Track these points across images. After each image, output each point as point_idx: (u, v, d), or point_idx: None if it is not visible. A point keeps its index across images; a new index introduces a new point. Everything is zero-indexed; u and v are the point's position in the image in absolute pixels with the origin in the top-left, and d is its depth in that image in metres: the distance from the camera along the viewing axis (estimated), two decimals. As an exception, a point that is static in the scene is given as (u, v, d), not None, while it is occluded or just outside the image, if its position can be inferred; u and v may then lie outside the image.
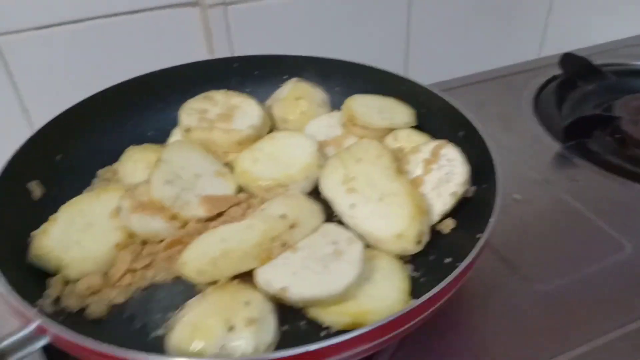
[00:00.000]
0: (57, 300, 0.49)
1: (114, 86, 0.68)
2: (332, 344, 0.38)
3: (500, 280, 0.59)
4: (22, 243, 0.52)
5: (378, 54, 0.94)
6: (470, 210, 0.56)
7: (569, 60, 0.92)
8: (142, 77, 0.70)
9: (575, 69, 0.91)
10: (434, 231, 0.56)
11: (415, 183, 0.57)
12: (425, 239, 0.53)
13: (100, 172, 0.64)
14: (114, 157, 0.65)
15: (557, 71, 0.92)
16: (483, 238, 0.46)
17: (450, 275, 0.43)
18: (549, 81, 0.91)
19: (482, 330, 0.54)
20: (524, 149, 0.78)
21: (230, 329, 0.44)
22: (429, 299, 0.41)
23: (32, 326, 0.40)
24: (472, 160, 0.58)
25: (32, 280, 0.50)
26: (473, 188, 0.57)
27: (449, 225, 0.56)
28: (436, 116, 0.66)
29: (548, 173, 0.73)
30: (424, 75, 0.95)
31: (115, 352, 0.38)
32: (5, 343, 0.39)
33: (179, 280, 0.52)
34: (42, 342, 0.41)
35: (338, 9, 0.89)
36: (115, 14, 0.76)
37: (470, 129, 0.60)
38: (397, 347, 0.52)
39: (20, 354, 0.40)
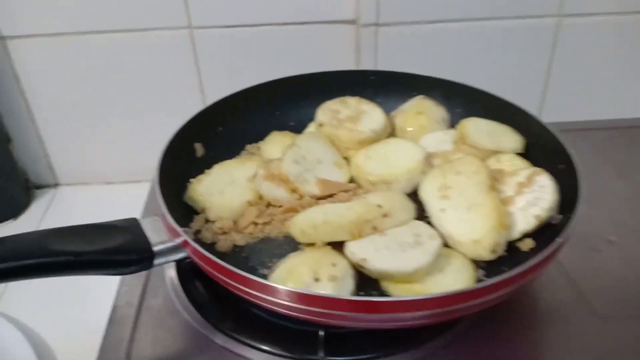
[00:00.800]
0: (197, 232, 0.64)
1: (272, 81, 0.83)
2: (388, 300, 0.48)
3: (570, 309, 0.62)
4: (183, 186, 0.68)
5: (515, 89, 0.99)
6: (553, 236, 0.60)
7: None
8: (294, 77, 0.84)
9: None
10: (514, 248, 0.61)
11: (505, 201, 0.63)
12: (500, 250, 0.59)
13: (248, 146, 0.79)
14: (260, 136, 0.80)
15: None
16: (546, 251, 0.51)
17: (508, 272, 0.50)
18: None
19: (540, 345, 0.59)
20: (633, 199, 0.78)
21: (316, 279, 0.55)
22: (481, 287, 0.48)
23: (179, 240, 0.55)
24: (564, 191, 0.62)
25: (185, 214, 0.66)
26: (560, 217, 0.62)
27: (528, 244, 0.61)
28: (542, 147, 0.70)
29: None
30: (558, 114, 0.99)
31: (229, 267, 0.51)
32: (160, 246, 0.55)
33: (287, 238, 0.64)
34: (182, 254, 0.56)
35: (480, 40, 0.95)
36: (286, 23, 0.92)
37: (570, 163, 0.64)
38: (454, 341, 0.59)
39: (167, 258, 0.55)
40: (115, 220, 0.56)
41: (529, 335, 0.61)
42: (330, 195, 0.69)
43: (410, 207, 0.65)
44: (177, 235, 0.55)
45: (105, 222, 0.55)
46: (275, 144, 0.78)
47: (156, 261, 0.54)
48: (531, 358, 0.58)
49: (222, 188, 0.68)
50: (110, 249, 0.52)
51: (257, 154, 0.78)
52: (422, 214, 0.65)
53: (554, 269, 0.67)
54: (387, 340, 0.59)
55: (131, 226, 0.55)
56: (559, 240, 0.53)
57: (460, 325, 0.60)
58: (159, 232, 0.56)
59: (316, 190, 0.69)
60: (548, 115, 1.00)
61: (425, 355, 0.57)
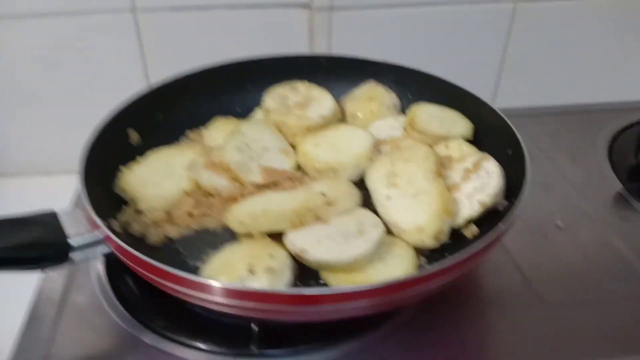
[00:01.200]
0: (126, 225, 0.60)
1: (217, 65, 0.79)
2: (324, 292, 0.45)
3: (515, 293, 0.61)
4: (113, 174, 0.64)
5: (470, 74, 0.97)
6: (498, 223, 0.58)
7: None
8: (241, 62, 0.80)
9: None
10: (458, 235, 0.59)
11: (451, 188, 0.61)
12: (444, 237, 0.57)
13: (188, 132, 0.75)
14: (202, 122, 0.76)
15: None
16: (489, 237, 0.49)
17: (447, 260, 0.48)
18: (633, 124, 0.88)
19: (485, 332, 0.57)
20: (585, 183, 0.77)
21: (251, 272, 0.52)
22: (420, 276, 0.46)
23: (99, 232, 0.51)
24: (511, 178, 0.60)
25: (116, 206, 0.61)
26: (506, 203, 0.60)
27: (472, 231, 0.59)
28: (492, 133, 0.68)
29: (601, 209, 0.72)
30: (513, 99, 0.97)
31: (153, 263, 0.47)
32: (78, 240, 0.50)
33: (225, 230, 0.60)
34: (105, 249, 0.52)
35: (436, 26, 0.93)
36: (237, 7, 0.88)
37: (518, 148, 0.62)
38: (398, 329, 0.57)
39: (87, 252, 0.51)
40: (31, 213, 0.51)
41: (474, 322, 0.59)
42: (275, 184, 0.66)
43: (355, 195, 0.62)
44: (97, 227, 0.51)
45: (19, 215, 0.51)
46: (219, 130, 0.75)
47: (74, 255, 0.50)
48: (476, 345, 0.56)
49: (157, 177, 0.64)
50: (22, 244, 0.48)
51: (198, 141, 0.74)
52: (368, 202, 0.63)
53: (500, 254, 0.65)
54: (326, 330, 0.56)
55: (47, 219, 0.51)
56: (501, 227, 0.51)
57: (404, 313, 0.58)
58: (79, 225, 0.51)
59: (259, 179, 0.65)
60: (503, 100, 0.99)
61: (367, 345, 0.55)
